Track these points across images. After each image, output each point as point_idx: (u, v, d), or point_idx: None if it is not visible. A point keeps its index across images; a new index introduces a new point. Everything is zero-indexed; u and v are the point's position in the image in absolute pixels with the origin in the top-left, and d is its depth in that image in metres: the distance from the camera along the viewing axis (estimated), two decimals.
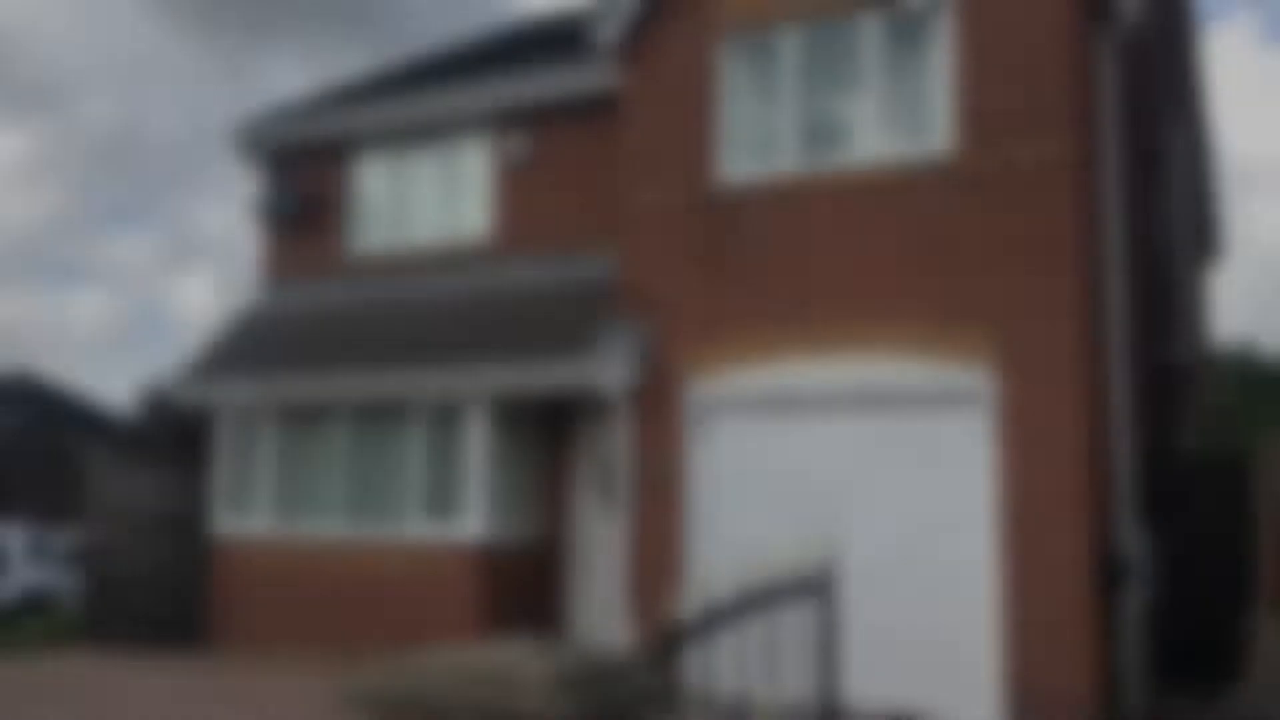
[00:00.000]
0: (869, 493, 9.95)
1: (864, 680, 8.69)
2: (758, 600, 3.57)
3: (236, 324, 14.44)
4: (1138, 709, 9.63)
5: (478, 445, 11.85)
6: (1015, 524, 9.25)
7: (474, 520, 11.72)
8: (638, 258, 11.26)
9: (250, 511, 13.17)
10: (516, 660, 2.04)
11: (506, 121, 13.23)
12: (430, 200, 13.94)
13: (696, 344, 10.81)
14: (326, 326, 13.48)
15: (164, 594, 13.85)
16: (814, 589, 3.90)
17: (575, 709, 1.99)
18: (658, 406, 10.90)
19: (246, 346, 13.80)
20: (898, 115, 10.36)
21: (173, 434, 17.10)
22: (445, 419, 12.18)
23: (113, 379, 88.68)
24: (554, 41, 14.54)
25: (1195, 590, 11.21)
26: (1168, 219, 13.70)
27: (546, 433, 12.84)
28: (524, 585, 12.28)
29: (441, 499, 12.05)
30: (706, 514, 10.64)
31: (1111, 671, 9.37)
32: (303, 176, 14.44)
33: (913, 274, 9.94)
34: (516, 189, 13.17)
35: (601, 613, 12.40)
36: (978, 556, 9.36)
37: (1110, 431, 9.80)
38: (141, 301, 78.41)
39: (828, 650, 3.78)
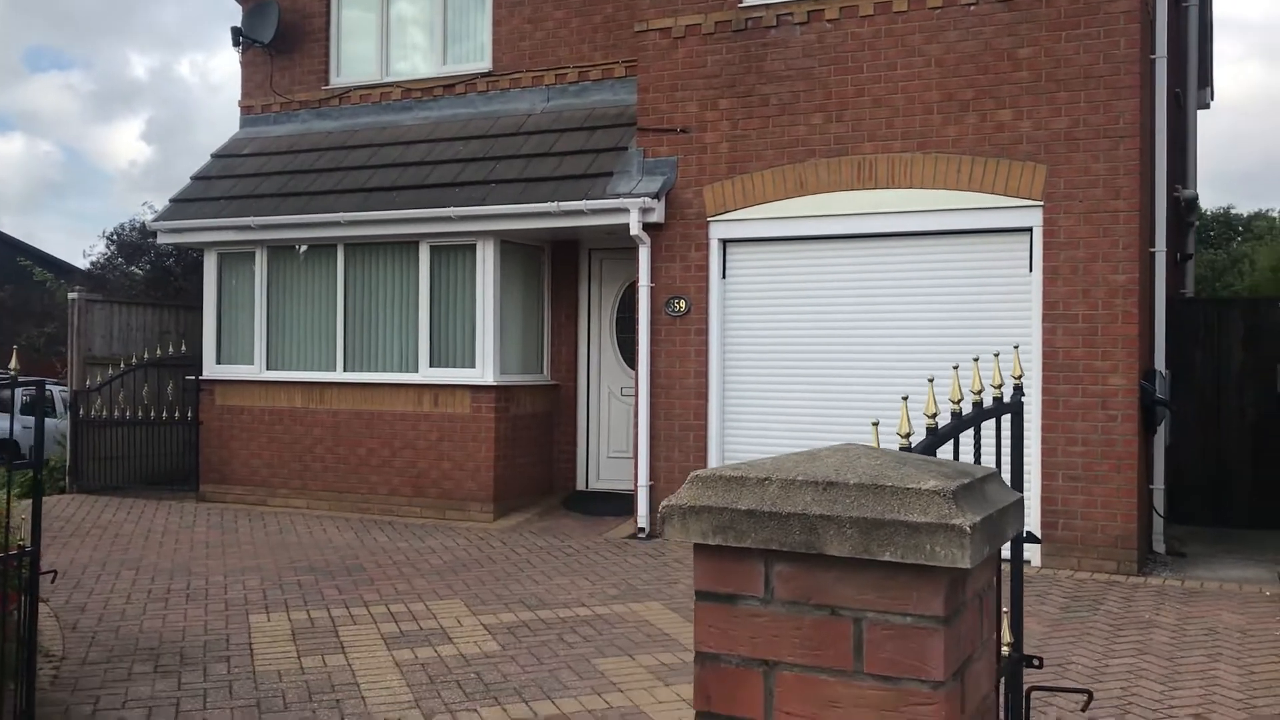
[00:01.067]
0: (912, 331, 9.68)
1: None
2: (969, 420, 3.23)
3: (220, 159, 13.62)
4: (1166, 547, 9.67)
5: (488, 286, 11.37)
6: (1063, 360, 9.05)
7: (486, 361, 11.33)
8: (657, 86, 10.65)
9: (242, 354, 12.65)
10: (894, 470, 1.71)
11: None
12: (425, 23, 13.09)
13: (723, 177, 10.32)
14: (318, 160, 12.74)
15: (156, 440, 13.41)
16: (1011, 409, 3.58)
17: (976, 520, 1.65)
18: (682, 244, 10.47)
19: (231, 183, 13.04)
20: None
21: (152, 277, 16.38)
22: (451, 259, 11.66)
23: (47, 226, 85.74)
24: None
25: (1215, 432, 11.21)
26: (1185, 54, 13.29)
27: (557, 273, 12.40)
28: (535, 430, 12.01)
29: (449, 339, 11.63)
30: (734, 360, 10.36)
31: (1148, 509, 9.36)
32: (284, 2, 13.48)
33: (958, 102, 9.47)
34: (520, 9, 12.39)
35: (612, 459, 12.18)
36: (1029, 396, 9.17)
37: (1154, 267, 9.57)
38: (69, 147, 75.17)
39: (1018, 467, 3.53)
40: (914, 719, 1.80)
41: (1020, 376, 3.90)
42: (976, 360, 3.75)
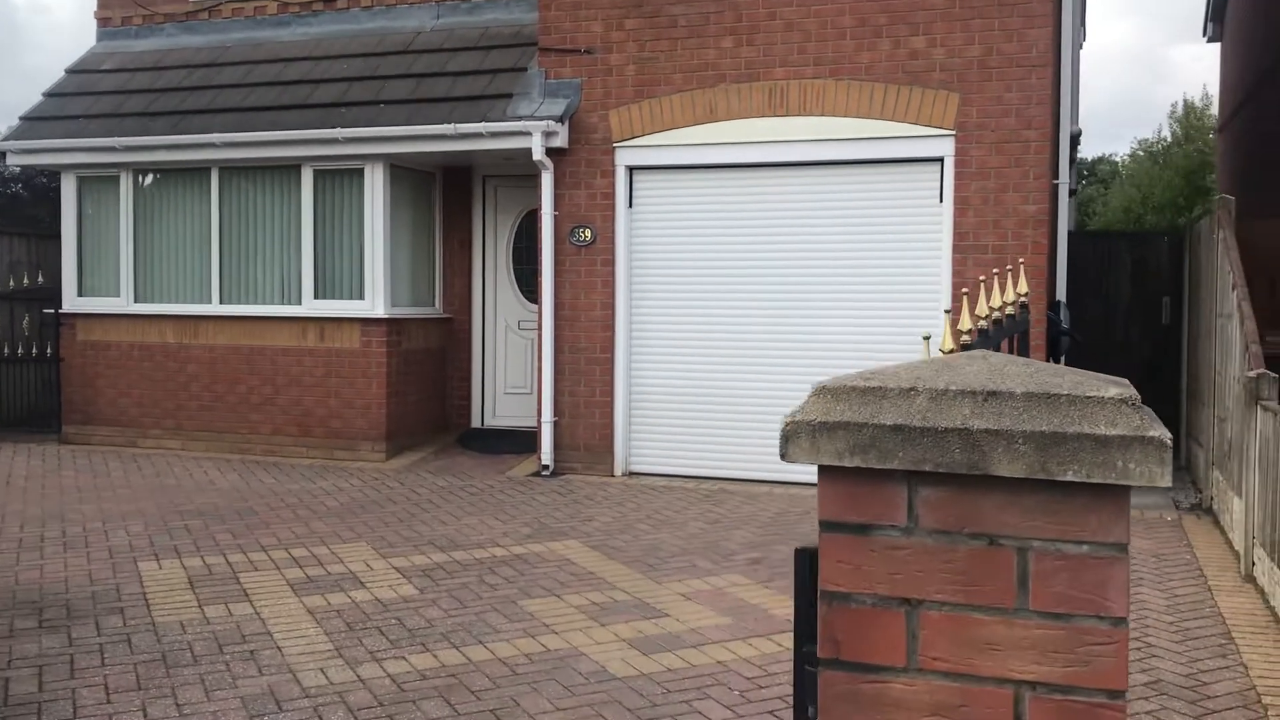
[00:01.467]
0: (823, 261, 9.53)
1: None
2: (992, 338, 3.05)
3: (76, 75, 12.55)
4: None
5: (377, 213, 10.78)
6: (972, 289, 9.02)
7: (376, 293, 10.78)
8: (559, 4, 10.14)
9: (107, 286, 11.77)
10: (1061, 378, 1.45)
11: None
12: None
13: (630, 101, 9.94)
14: (188, 78, 11.84)
15: (10, 380, 12.45)
16: (1019, 327, 3.46)
17: (1168, 435, 1.41)
18: (587, 171, 10.07)
19: (90, 100, 12.03)
20: None
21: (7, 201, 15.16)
22: (336, 184, 11.01)
23: None
24: None
25: (1104, 365, 11.45)
26: None
27: (450, 201, 11.86)
28: (428, 365, 11.53)
29: (335, 270, 11.02)
30: (642, 291, 10.07)
31: None
32: None
33: (871, 27, 9.27)
34: None
35: (509, 395, 11.81)
36: (939, 326, 9.11)
37: (1057, 199, 9.62)
38: None
39: None
40: (1089, 661, 1.55)
41: (1025, 295, 3.70)
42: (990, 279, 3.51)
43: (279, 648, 5.41)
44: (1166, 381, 11.24)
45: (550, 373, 10.12)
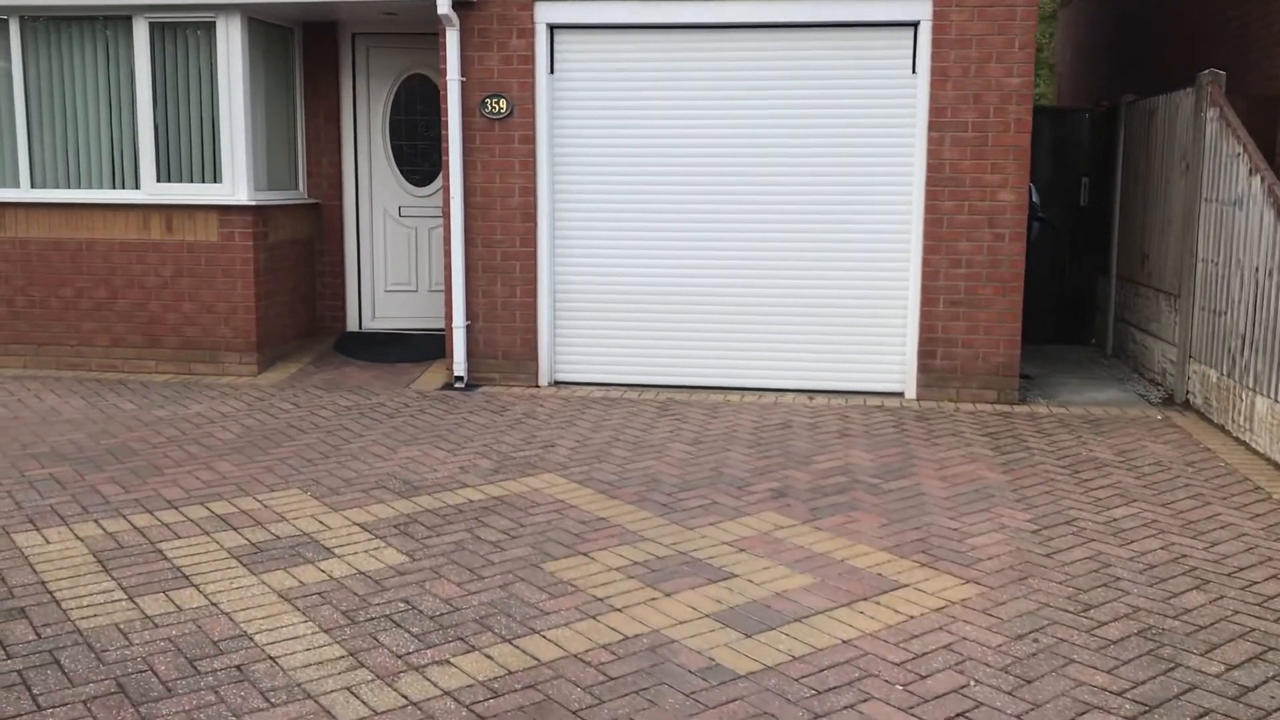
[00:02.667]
0: (777, 141, 8.45)
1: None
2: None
3: None
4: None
5: (235, 76, 8.91)
6: (949, 174, 8.18)
7: (237, 175, 8.98)
8: None
9: None
10: None
11: None
12: None
13: None
14: None
15: None
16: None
17: None
18: (500, 29, 8.54)
19: None
20: None
21: None
22: (180, 41, 9.02)
23: None
24: None
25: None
26: None
27: (311, 64, 10.03)
28: (295, 260, 9.84)
29: (182, 147, 9.11)
30: (566, 175, 8.72)
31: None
32: None
33: None
34: None
35: (391, 293, 10.30)
36: (909, 214, 8.24)
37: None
38: None
39: None
40: None
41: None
42: None
43: (273, 658, 4.07)
44: (1087, 265, 10.87)
45: (460, 270, 8.71)
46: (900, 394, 8.51)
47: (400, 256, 10.28)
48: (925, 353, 8.39)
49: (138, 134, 9.05)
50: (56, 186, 9.26)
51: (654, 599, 4.63)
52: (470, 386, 8.78)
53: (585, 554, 5.15)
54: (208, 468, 6.49)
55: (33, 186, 9.26)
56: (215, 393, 8.55)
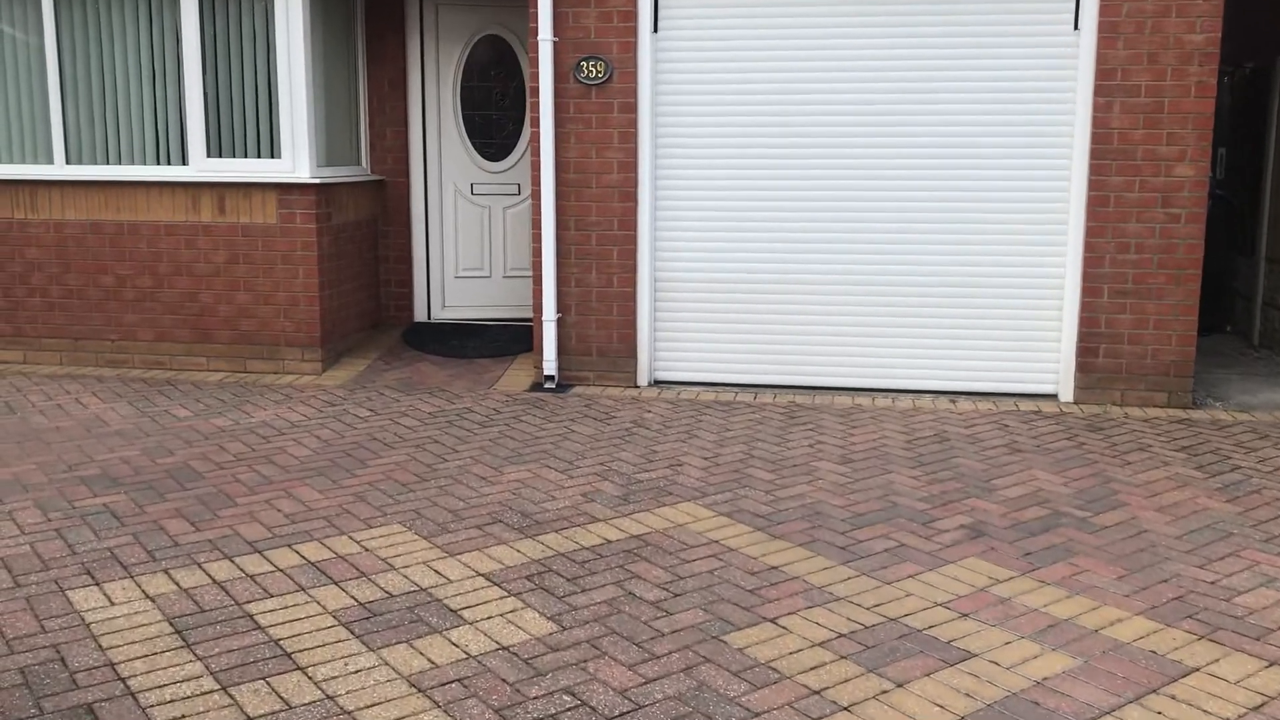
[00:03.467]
0: (911, 113, 7.40)
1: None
2: None
3: None
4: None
5: (296, 35, 7.89)
6: (1118, 145, 7.13)
7: (298, 148, 7.97)
8: None
9: None
10: None
11: None
12: None
13: None
14: None
15: None
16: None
17: None
18: None
19: None
20: None
21: None
22: (232, 1, 8.03)
23: None
24: None
25: None
26: None
27: (374, 25, 9.00)
28: (360, 244, 8.85)
29: (235, 117, 8.11)
30: (670, 149, 7.69)
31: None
32: None
33: None
34: None
35: (462, 279, 9.31)
36: (1066, 192, 7.19)
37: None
38: None
39: None
40: None
41: None
42: None
43: None
44: (1220, 244, 9.79)
45: (551, 257, 7.70)
46: (1054, 396, 7.49)
47: (472, 239, 9.29)
48: (1085, 349, 7.37)
49: (185, 103, 8.05)
50: (95, 162, 8.27)
51: (884, 691, 3.65)
52: (562, 387, 7.80)
53: (773, 620, 4.17)
54: (287, 495, 5.53)
55: (68, 162, 8.28)
56: (278, 395, 7.59)
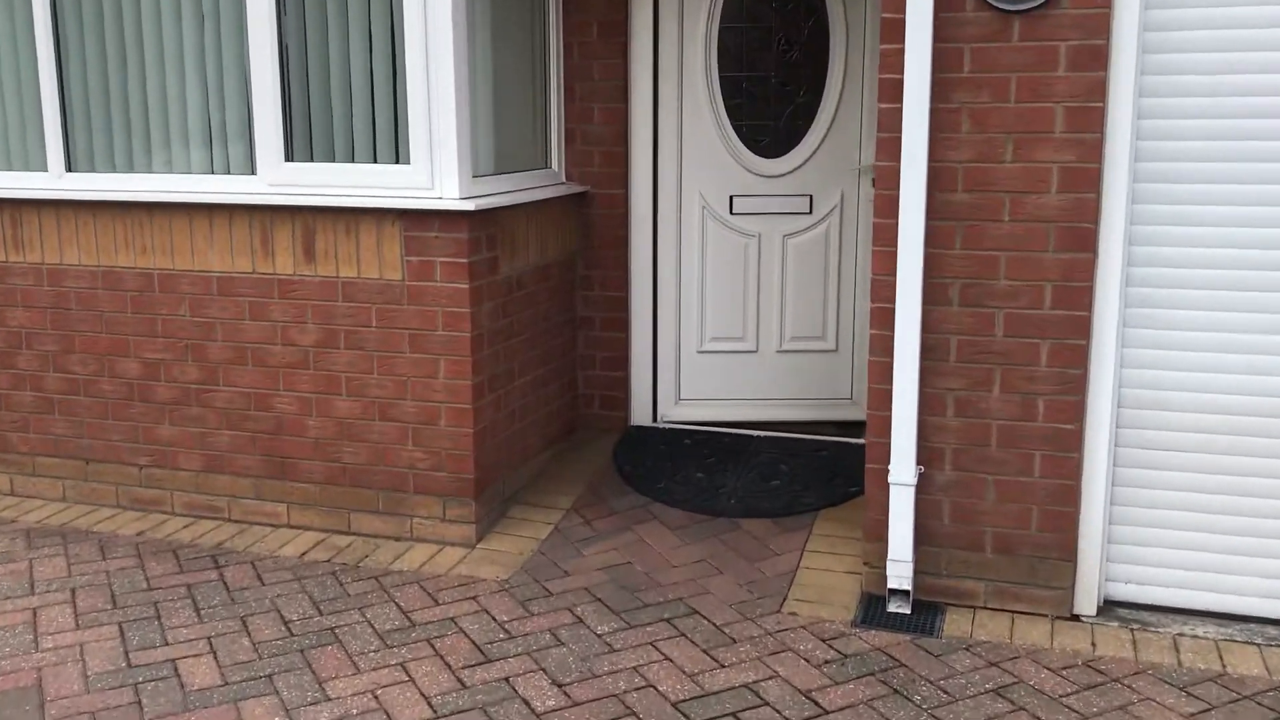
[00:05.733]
0: None
1: None
2: None
3: None
4: None
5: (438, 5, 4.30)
6: None
7: (440, 151, 4.38)
8: None
9: None
10: None
11: None
12: None
13: None
14: None
15: None
16: None
17: None
18: None
19: None
20: None
21: None
22: None
23: None
24: None
25: None
26: None
27: None
28: (545, 304, 5.24)
29: (331, 105, 4.59)
30: (1165, 160, 3.74)
31: None
32: None
33: None
34: None
35: (709, 355, 5.59)
36: None
37: None
38: None
39: None
40: None
41: None
42: None
43: None
44: None
45: (912, 356, 3.88)
46: None
47: (728, 287, 5.57)
48: None
49: (249, 77, 4.58)
50: (110, 170, 4.92)
51: None
52: (921, 611, 3.99)
53: None
54: None
55: (70, 169, 4.96)
56: (409, 599, 4.07)
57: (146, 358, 4.91)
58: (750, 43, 5.41)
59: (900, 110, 3.78)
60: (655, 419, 5.68)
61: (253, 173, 4.69)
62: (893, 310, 3.91)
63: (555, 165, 5.43)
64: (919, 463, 3.98)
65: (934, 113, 3.79)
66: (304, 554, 4.57)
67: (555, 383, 5.38)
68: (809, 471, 5.08)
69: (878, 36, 4.89)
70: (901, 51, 3.75)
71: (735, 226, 5.53)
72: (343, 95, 4.55)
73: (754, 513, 4.74)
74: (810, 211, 5.49)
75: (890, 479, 3.98)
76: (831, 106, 5.38)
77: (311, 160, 4.61)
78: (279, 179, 4.60)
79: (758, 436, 5.51)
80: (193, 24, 4.70)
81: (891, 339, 3.94)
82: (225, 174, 4.76)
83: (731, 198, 5.50)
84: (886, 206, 3.90)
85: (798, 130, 5.42)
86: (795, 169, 5.46)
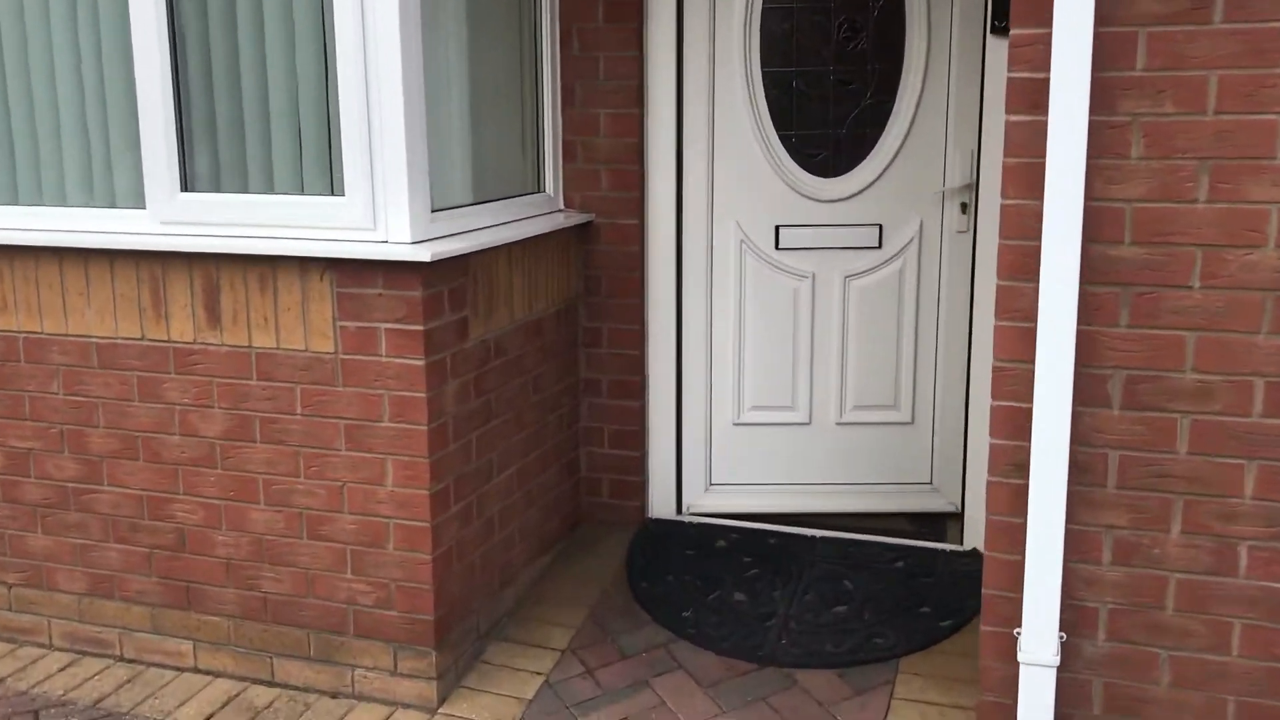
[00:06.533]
0: None
1: None
2: None
3: None
4: None
5: None
6: None
7: (377, 175, 3.19)
8: None
9: None
10: None
11: None
12: None
13: None
14: None
15: None
16: None
17: None
18: None
19: None
20: None
21: None
22: None
23: None
24: None
25: None
26: None
27: None
28: (535, 370, 4.03)
29: (240, 111, 3.40)
30: None
31: None
32: None
33: None
34: None
35: (746, 428, 4.38)
36: None
37: None
38: None
39: None
40: None
41: None
42: None
43: None
44: None
45: (1057, 480, 2.66)
46: None
47: (773, 341, 4.36)
48: None
49: (135, 81, 3.40)
50: None
51: None
52: None
53: None
54: None
55: None
56: None
57: (12, 446, 3.74)
58: (802, 28, 4.19)
59: (1044, 124, 2.57)
60: (680, 510, 4.48)
61: (142, 206, 3.51)
62: (1024, 411, 2.70)
63: (550, 189, 4.22)
64: (1063, 628, 2.78)
65: (1091, 129, 2.57)
66: (209, 718, 3.40)
67: (551, 468, 4.18)
68: (882, 592, 3.88)
69: (972, 17, 3.69)
70: (1046, 39, 2.53)
71: (783, 265, 4.32)
72: (257, 104, 3.37)
73: (814, 659, 3.53)
74: (879, 246, 4.27)
75: (1020, 655, 2.77)
76: (909, 111, 4.15)
77: (217, 190, 3.42)
78: (173, 214, 3.42)
79: (812, 537, 4.30)
80: (63, 12, 3.52)
81: (1022, 452, 2.73)
82: (110, 207, 3.59)
83: (778, 228, 4.29)
84: (1016, 263, 2.68)
85: (864, 141, 4.20)
86: (860, 191, 4.25)
